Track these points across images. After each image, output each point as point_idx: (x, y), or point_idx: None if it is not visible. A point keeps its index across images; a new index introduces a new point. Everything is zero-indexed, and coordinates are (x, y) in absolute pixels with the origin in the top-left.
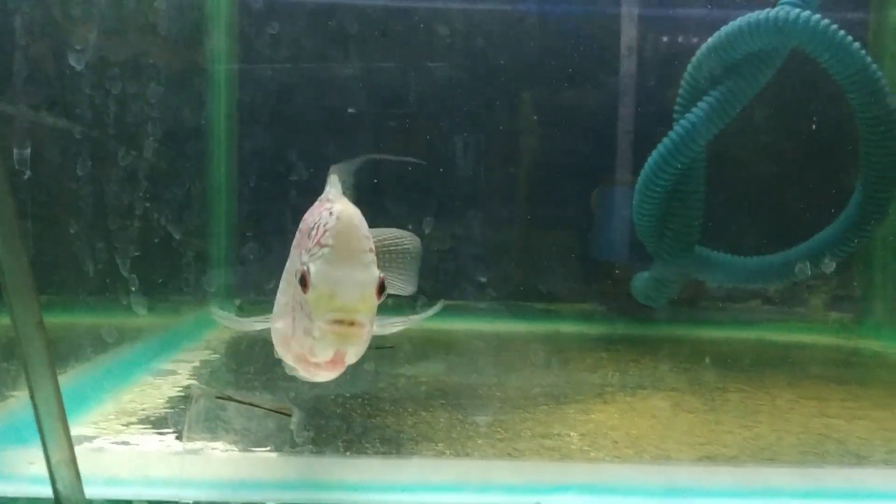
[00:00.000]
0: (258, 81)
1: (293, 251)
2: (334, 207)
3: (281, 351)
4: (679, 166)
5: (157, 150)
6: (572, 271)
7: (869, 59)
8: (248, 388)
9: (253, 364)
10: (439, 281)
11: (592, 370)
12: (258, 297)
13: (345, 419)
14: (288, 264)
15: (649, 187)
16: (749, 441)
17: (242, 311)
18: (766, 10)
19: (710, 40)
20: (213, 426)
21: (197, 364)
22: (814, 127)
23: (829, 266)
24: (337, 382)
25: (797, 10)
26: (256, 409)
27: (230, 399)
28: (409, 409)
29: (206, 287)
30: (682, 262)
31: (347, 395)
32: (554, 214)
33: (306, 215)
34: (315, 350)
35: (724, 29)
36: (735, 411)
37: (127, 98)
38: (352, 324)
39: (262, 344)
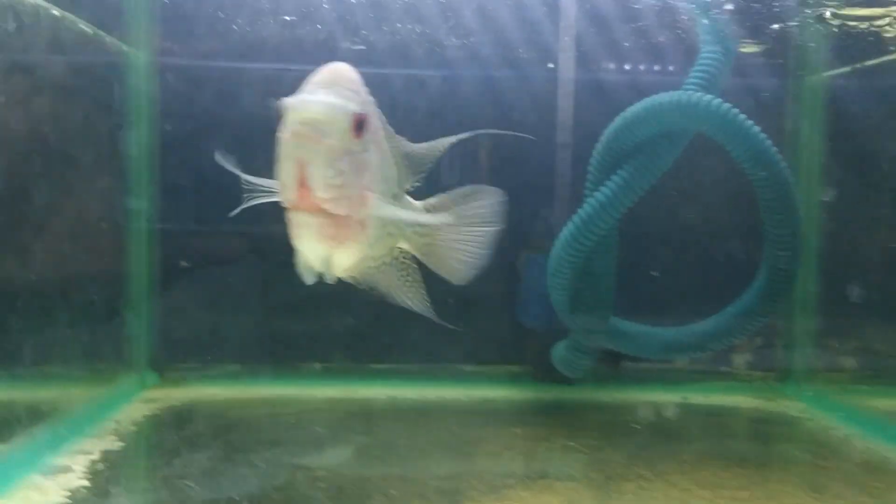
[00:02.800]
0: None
1: None
2: None
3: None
4: (588, 243)
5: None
6: (503, 333)
7: (769, 142)
8: (144, 490)
9: (162, 456)
10: (369, 344)
11: (499, 454)
12: (186, 365)
13: None
14: None
15: (561, 263)
16: None
17: (168, 384)
18: (671, 92)
19: (616, 120)
20: None
21: (96, 457)
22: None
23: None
24: (230, 482)
25: (699, 94)
26: None
27: None
28: None
29: (119, 356)
30: (596, 334)
31: (235, 496)
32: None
33: None
34: (281, 173)
35: (631, 109)
36: None
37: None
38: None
39: (178, 428)
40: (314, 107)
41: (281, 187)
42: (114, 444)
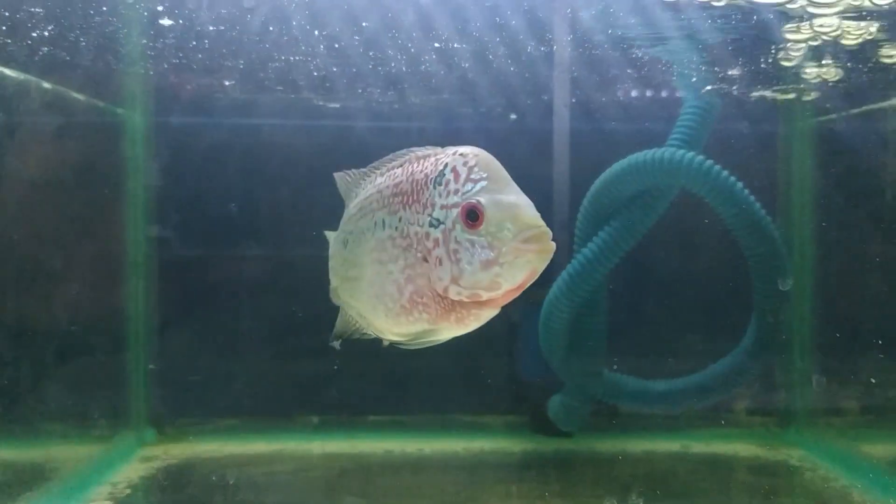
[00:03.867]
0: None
1: (379, 214)
2: (459, 150)
3: (392, 320)
4: (577, 299)
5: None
6: (502, 383)
7: (752, 198)
8: None
9: None
10: (366, 395)
11: None
12: (185, 419)
13: None
14: (380, 235)
15: (551, 319)
16: None
17: (166, 440)
18: (654, 150)
19: (602, 176)
20: None
21: None
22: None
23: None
24: None
25: (682, 152)
26: None
27: None
28: None
29: (116, 412)
30: (591, 388)
31: None
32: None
33: (392, 178)
34: (501, 279)
35: (615, 166)
36: None
37: None
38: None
39: (174, 490)
40: (533, 210)
41: (487, 287)
42: None
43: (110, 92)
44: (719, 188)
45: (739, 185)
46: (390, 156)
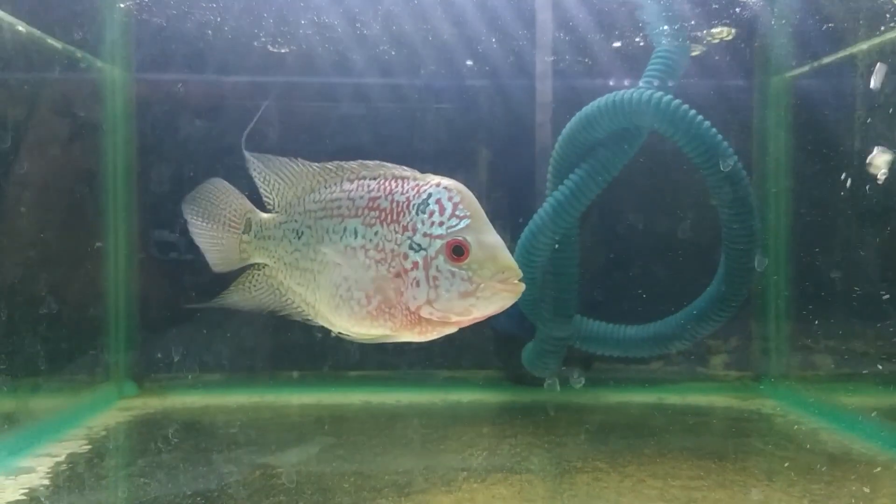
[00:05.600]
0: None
1: (351, 223)
2: (442, 182)
3: (356, 322)
4: (548, 241)
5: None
6: (479, 338)
7: (720, 137)
8: (101, 488)
9: (126, 456)
10: (345, 352)
11: (461, 451)
12: (166, 375)
13: None
14: (355, 241)
15: (524, 261)
16: None
17: (146, 393)
18: (623, 91)
19: (573, 119)
20: None
21: (61, 459)
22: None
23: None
24: (187, 479)
25: (650, 92)
26: None
27: None
28: None
29: (98, 366)
30: (561, 332)
31: (188, 492)
32: None
33: (365, 189)
34: (475, 308)
35: (585, 109)
36: (574, 498)
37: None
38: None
39: (149, 432)
40: (508, 254)
41: (459, 313)
42: (81, 447)
43: (90, 42)
44: (686, 127)
45: (707, 123)
46: (356, 163)
